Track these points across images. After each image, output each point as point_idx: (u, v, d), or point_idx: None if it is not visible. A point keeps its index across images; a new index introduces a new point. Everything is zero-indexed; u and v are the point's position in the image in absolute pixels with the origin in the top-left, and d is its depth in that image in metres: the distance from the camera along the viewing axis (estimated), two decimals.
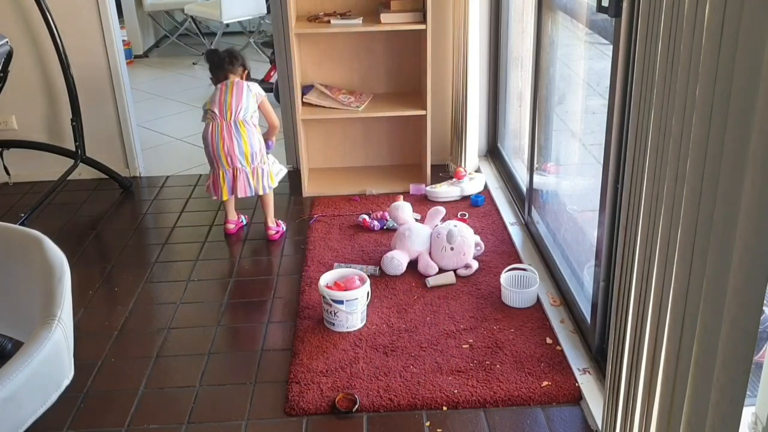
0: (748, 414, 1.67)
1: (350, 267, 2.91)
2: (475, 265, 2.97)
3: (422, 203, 3.57)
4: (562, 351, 2.44)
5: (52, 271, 1.81)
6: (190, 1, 6.42)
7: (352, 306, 2.57)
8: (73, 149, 3.80)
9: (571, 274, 2.75)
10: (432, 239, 2.99)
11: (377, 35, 3.75)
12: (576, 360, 2.39)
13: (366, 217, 3.40)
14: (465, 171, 3.71)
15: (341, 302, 2.56)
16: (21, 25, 3.74)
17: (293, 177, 3.92)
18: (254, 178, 3.21)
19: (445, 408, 2.24)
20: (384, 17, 3.50)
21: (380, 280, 2.92)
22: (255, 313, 2.79)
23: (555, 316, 2.63)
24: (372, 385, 2.32)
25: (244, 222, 3.50)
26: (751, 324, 1.12)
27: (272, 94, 4.91)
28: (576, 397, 2.26)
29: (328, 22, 3.54)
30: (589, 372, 2.33)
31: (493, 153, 4.02)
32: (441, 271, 2.95)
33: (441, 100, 3.86)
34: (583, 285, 2.61)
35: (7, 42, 3.15)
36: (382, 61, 3.85)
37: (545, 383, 2.31)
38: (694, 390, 1.30)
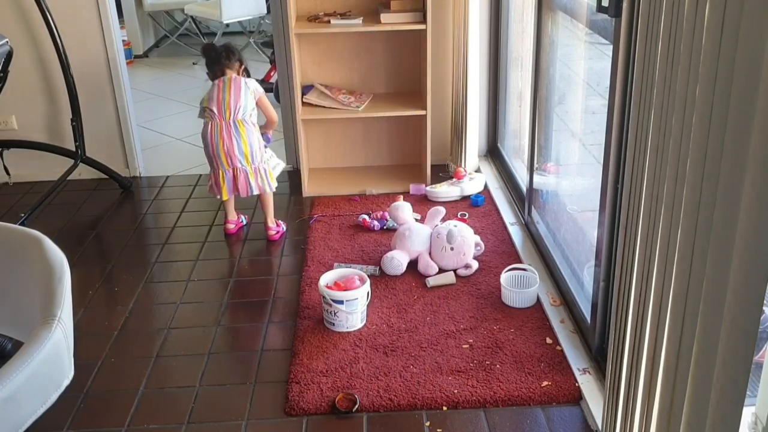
0: (748, 414, 1.67)
1: (350, 267, 2.90)
2: (475, 265, 2.97)
3: (422, 203, 3.57)
4: (562, 351, 2.44)
5: (52, 271, 1.81)
6: (190, 1, 6.42)
7: (352, 306, 2.57)
8: (73, 149, 3.80)
9: (571, 274, 2.75)
10: (432, 239, 2.98)
11: (377, 35, 3.75)
12: (576, 360, 2.39)
13: (366, 217, 3.40)
14: (465, 171, 3.71)
15: (341, 302, 2.56)
16: (21, 25, 3.74)
17: (293, 177, 3.92)
18: (255, 177, 3.21)
19: (445, 408, 2.24)
20: (384, 17, 3.50)
21: (380, 280, 2.92)
22: (255, 313, 2.79)
23: (555, 316, 2.63)
24: (372, 385, 2.32)
25: (244, 222, 3.50)
26: (751, 324, 1.12)
27: (272, 94, 4.91)
28: (576, 397, 2.26)
29: (328, 22, 3.54)
30: (589, 372, 2.33)
31: (493, 153, 4.02)
32: (441, 271, 2.95)
33: (441, 100, 3.86)
34: (583, 285, 2.61)
35: (7, 42, 3.15)
36: (382, 61, 3.85)
37: (545, 383, 2.31)
38: (694, 390, 1.30)
